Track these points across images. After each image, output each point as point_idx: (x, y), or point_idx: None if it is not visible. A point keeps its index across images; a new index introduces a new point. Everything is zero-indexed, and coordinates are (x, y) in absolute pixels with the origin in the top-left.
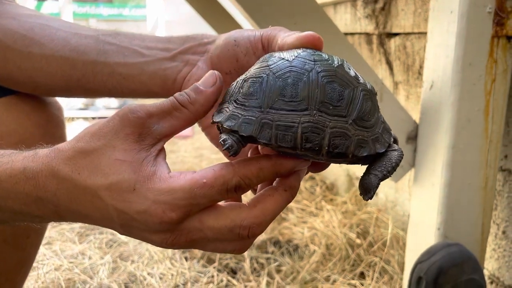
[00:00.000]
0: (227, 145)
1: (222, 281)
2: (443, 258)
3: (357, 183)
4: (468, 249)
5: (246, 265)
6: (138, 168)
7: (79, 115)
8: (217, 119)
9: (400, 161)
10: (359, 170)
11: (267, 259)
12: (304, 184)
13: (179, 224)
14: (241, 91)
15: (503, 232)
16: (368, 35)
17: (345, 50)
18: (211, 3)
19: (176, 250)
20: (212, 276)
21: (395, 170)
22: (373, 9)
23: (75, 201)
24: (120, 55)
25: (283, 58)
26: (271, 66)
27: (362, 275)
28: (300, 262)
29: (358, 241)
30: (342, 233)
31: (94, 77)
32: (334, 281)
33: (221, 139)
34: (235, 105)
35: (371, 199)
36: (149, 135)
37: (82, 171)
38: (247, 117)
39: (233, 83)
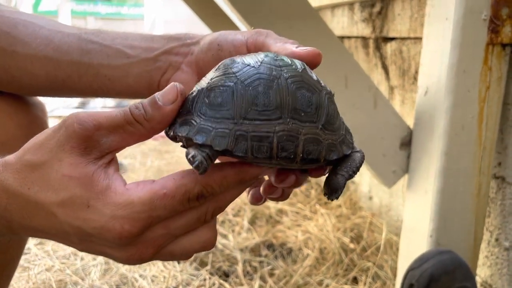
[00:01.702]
0: (197, 162)
1: (214, 284)
2: (434, 265)
3: (352, 187)
4: (460, 257)
5: (239, 268)
6: (89, 184)
7: None
8: (183, 132)
9: (363, 162)
10: None
11: (260, 262)
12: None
13: (139, 237)
14: (207, 101)
15: (496, 240)
16: (364, 39)
17: (339, 54)
18: (208, 3)
19: None
20: (204, 279)
21: (358, 171)
22: (370, 13)
23: (28, 217)
24: (104, 55)
25: (248, 65)
26: (238, 74)
27: (355, 280)
28: (293, 266)
29: (351, 245)
30: (335, 237)
31: (80, 79)
32: (327, 285)
33: (190, 155)
34: (204, 117)
35: (337, 199)
36: (96, 148)
37: (32, 186)
38: (219, 130)
39: (193, 91)
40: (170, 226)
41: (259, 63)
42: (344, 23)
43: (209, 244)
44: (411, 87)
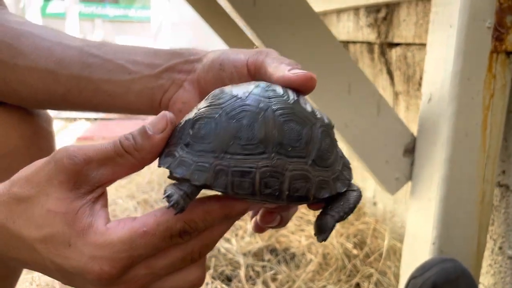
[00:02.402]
0: (172, 202)
1: None
2: (437, 273)
3: None
4: (463, 265)
5: (242, 272)
6: (73, 221)
7: (81, 116)
8: (164, 164)
9: (359, 202)
10: (358, 178)
11: (263, 267)
12: None
13: (121, 277)
14: (191, 132)
15: (500, 248)
16: (369, 44)
17: (342, 60)
18: (214, 7)
19: None
20: (207, 284)
21: (352, 212)
22: (375, 18)
23: (13, 250)
24: (105, 70)
25: (235, 96)
26: (223, 105)
27: (357, 286)
28: (296, 271)
29: (354, 251)
30: (339, 243)
31: (79, 93)
32: None
33: (166, 194)
34: (186, 149)
35: (325, 240)
36: (86, 183)
37: (17, 219)
38: (199, 163)
39: (181, 120)
40: (153, 265)
41: (247, 94)
42: (349, 28)
43: (198, 283)
44: (415, 93)
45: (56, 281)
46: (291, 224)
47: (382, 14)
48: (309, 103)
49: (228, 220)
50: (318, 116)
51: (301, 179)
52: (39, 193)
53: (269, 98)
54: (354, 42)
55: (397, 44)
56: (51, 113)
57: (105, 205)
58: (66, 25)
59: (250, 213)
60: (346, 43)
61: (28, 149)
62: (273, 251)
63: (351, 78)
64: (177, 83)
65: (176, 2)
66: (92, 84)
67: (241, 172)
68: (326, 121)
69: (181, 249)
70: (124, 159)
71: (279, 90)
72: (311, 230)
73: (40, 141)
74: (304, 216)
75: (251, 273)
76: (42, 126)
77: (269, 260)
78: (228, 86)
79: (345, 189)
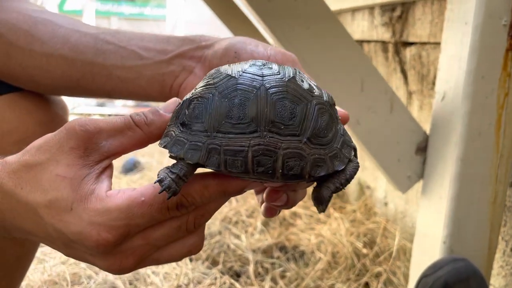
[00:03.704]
0: (164, 186)
1: (225, 283)
2: (449, 273)
3: (367, 193)
4: (474, 265)
5: (251, 268)
6: (77, 186)
7: (96, 112)
8: (162, 144)
9: (355, 173)
10: (369, 178)
11: (272, 264)
12: None
13: (118, 246)
14: (187, 112)
15: (511, 249)
16: (384, 43)
17: (356, 57)
18: (228, 5)
19: None
20: (215, 278)
21: (348, 183)
22: (390, 17)
23: (18, 218)
24: (118, 56)
25: (229, 75)
26: (217, 84)
27: (366, 285)
28: (305, 269)
29: (364, 250)
30: (348, 242)
31: (93, 79)
32: None
33: (158, 179)
34: (181, 128)
35: (324, 211)
36: (96, 151)
37: (25, 185)
38: (193, 142)
39: (181, 101)
40: (150, 236)
41: (241, 73)
42: (364, 27)
43: (195, 249)
44: (429, 93)
45: (67, 272)
46: (300, 223)
47: (397, 12)
48: (307, 79)
49: (225, 196)
50: (316, 93)
51: (295, 157)
52: (49, 159)
53: (263, 77)
54: (368, 41)
55: (412, 43)
56: None
57: (110, 176)
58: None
59: (259, 203)
60: (360, 42)
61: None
62: (282, 248)
63: (364, 75)
64: (187, 69)
65: (191, 0)
66: (105, 70)
67: (233, 150)
68: (325, 98)
69: (177, 220)
70: (133, 132)
71: (275, 67)
72: (321, 229)
73: (56, 128)
74: (315, 215)
75: (260, 269)
76: (58, 114)
77: (278, 257)
78: (225, 66)
79: (343, 167)
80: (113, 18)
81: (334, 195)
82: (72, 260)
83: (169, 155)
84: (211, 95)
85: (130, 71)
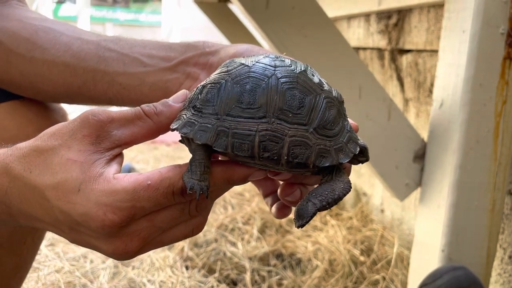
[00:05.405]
0: (198, 191)
1: None
2: (449, 281)
3: (364, 200)
4: (474, 273)
5: (247, 276)
6: (87, 168)
7: None
8: (174, 125)
9: (345, 194)
10: (366, 185)
11: (269, 271)
12: None
13: (124, 228)
14: (200, 97)
15: (510, 257)
16: (380, 50)
17: (354, 64)
18: (224, 11)
19: (177, 258)
20: (212, 287)
21: (336, 203)
22: (386, 24)
23: (25, 202)
24: (120, 63)
25: (243, 64)
26: (230, 72)
27: None
28: (302, 277)
29: (361, 258)
30: (346, 249)
31: (95, 86)
32: None
33: (189, 189)
34: (192, 111)
35: (302, 227)
36: (107, 139)
37: (34, 169)
38: (203, 124)
39: (194, 88)
40: (155, 219)
41: (254, 63)
42: (360, 34)
43: (198, 229)
44: (426, 100)
45: (62, 281)
46: (297, 230)
47: (393, 20)
48: (318, 75)
49: (229, 184)
50: (326, 88)
51: (301, 146)
52: (62, 145)
53: (276, 67)
54: (364, 49)
55: (408, 51)
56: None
57: (120, 164)
58: None
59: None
60: (356, 50)
61: None
62: (279, 256)
63: (362, 82)
64: (192, 76)
65: (186, 7)
66: (107, 77)
67: (241, 134)
68: (334, 94)
69: (180, 204)
70: (144, 121)
71: (287, 61)
72: (317, 236)
73: None
74: (311, 222)
75: (257, 277)
76: (58, 121)
77: (274, 265)
78: (239, 57)
79: (347, 160)
80: (108, 24)
81: None
82: (67, 269)
83: (179, 139)
84: (224, 81)
85: (133, 78)
